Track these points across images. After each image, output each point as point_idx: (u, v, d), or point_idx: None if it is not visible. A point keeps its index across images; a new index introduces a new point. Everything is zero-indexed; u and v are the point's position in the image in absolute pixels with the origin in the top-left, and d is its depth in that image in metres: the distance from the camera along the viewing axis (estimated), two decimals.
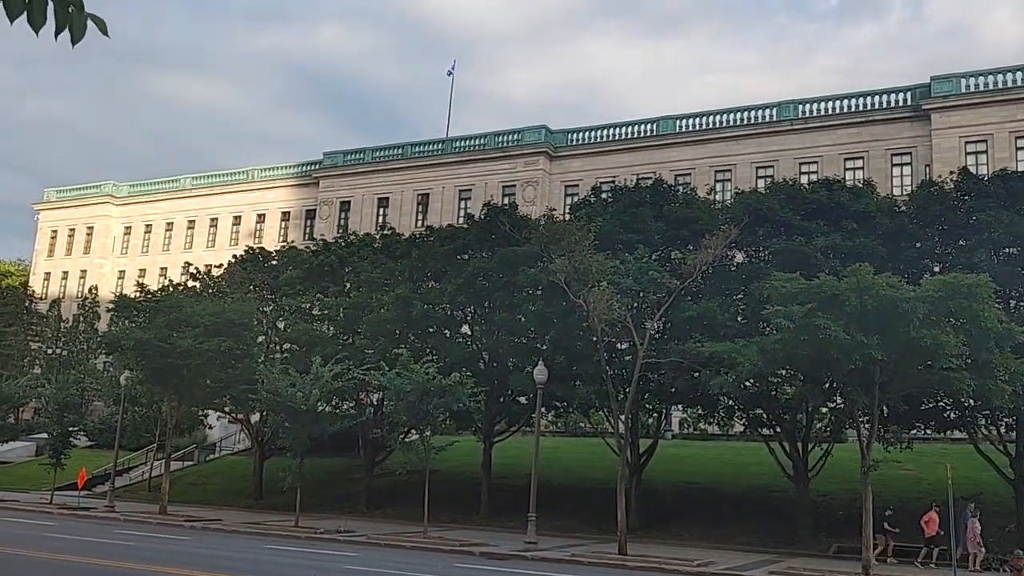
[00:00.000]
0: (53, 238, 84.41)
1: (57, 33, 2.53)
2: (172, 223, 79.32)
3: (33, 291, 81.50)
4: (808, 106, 55.25)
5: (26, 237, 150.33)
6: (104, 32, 2.63)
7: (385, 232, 44.48)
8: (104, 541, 24.85)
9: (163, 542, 25.92)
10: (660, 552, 26.26)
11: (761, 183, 47.91)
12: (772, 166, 54.24)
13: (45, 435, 50.30)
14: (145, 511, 36.96)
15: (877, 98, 53.59)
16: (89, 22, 2.58)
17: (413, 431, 33.76)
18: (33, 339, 73.33)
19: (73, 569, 18.93)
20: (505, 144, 63.23)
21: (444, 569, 21.68)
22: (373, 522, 34.47)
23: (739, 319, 30.16)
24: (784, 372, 28.06)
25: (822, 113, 54.62)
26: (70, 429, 44.51)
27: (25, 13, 2.48)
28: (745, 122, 56.59)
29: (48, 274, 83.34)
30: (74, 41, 2.55)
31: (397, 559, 23.89)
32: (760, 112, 56.57)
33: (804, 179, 44.29)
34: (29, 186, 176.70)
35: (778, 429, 31.37)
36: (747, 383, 28.29)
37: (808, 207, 31.90)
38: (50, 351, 71.17)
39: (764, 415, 31.86)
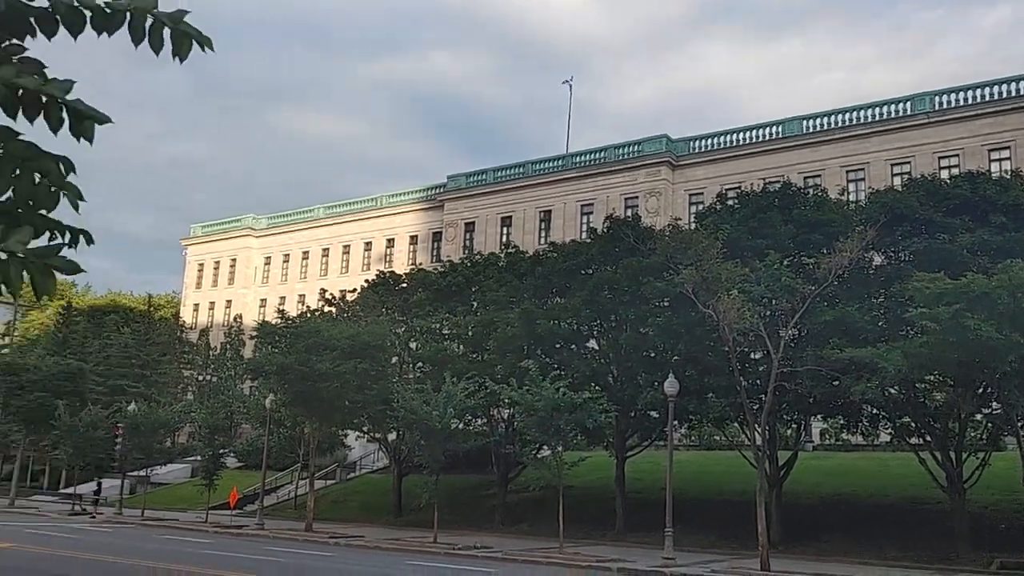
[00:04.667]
0: (200, 271, 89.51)
1: (175, 55, 2.85)
2: (308, 252, 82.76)
3: (184, 322, 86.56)
4: (944, 97, 52.46)
5: (175, 272, 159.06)
6: (210, 47, 2.88)
7: (509, 250, 45.02)
8: (257, 557, 26.03)
9: (310, 558, 26.91)
10: (805, 567, 25.28)
11: (897, 181, 45.78)
12: (908, 162, 51.74)
13: (198, 457, 53.24)
14: (292, 528, 38.48)
15: (1021, 84, 50.36)
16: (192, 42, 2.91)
17: (545, 447, 33.84)
18: (185, 367, 77.83)
19: None
20: (625, 156, 62.86)
21: None
22: (508, 538, 34.68)
23: (879, 323, 28.82)
24: (932, 377, 26.62)
25: (960, 104, 51.74)
26: (221, 451, 46.91)
27: (147, 39, 2.80)
28: (876, 118, 54.25)
29: (197, 305, 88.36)
30: (182, 60, 2.86)
31: (534, 574, 23.96)
32: (892, 107, 54.11)
33: (944, 174, 42.08)
34: (174, 224, 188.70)
35: (928, 438, 29.70)
36: (891, 389, 26.98)
37: (950, 203, 30.21)
38: (201, 378, 75.32)
39: (912, 423, 30.22)
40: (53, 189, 2.73)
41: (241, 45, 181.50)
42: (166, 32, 2.77)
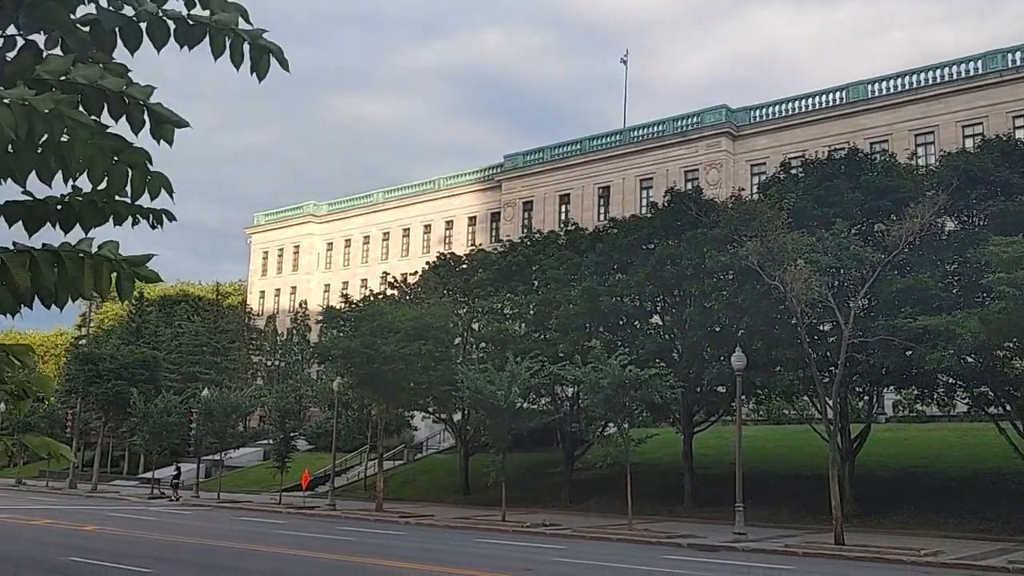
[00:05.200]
0: (265, 258, 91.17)
1: (253, 70, 2.94)
2: (368, 236, 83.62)
3: (251, 309, 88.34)
4: (1018, 54, 50.33)
5: (241, 260, 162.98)
6: (286, 68, 2.98)
7: (568, 228, 44.78)
8: (331, 537, 26.59)
9: (382, 537, 27.37)
10: (880, 541, 24.83)
11: (969, 143, 44.21)
12: (981, 123, 49.86)
13: (270, 441, 54.43)
14: (362, 508, 39.17)
15: None
16: (272, 59, 3.01)
17: (611, 424, 33.78)
18: (254, 353, 79.51)
19: (318, 565, 20.37)
20: (684, 128, 61.87)
21: (653, 561, 21.51)
22: (575, 515, 34.76)
23: (954, 290, 28.01)
24: (1012, 344, 25.74)
25: None
26: (291, 434, 47.92)
27: (228, 52, 2.88)
28: (946, 79, 52.36)
29: (263, 292, 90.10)
30: (260, 78, 2.96)
31: (604, 551, 23.98)
32: (962, 66, 52.14)
33: (1020, 134, 40.51)
34: (237, 214, 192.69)
35: (1008, 407, 28.80)
36: (968, 358, 26.22)
37: None
38: (269, 363, 76.84)
39: (991, 392, 29.33)
40: (149, 178, 2.82)
41: (295, 33, 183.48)
42: (245, 47, 2.80)
